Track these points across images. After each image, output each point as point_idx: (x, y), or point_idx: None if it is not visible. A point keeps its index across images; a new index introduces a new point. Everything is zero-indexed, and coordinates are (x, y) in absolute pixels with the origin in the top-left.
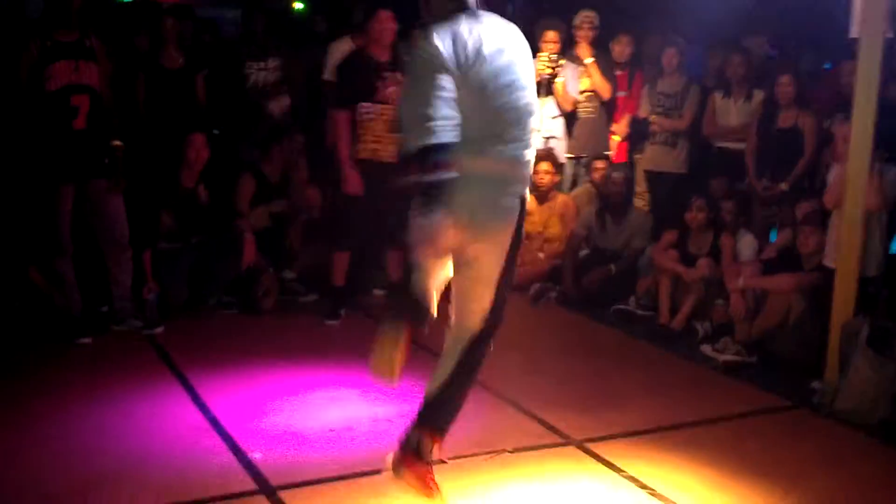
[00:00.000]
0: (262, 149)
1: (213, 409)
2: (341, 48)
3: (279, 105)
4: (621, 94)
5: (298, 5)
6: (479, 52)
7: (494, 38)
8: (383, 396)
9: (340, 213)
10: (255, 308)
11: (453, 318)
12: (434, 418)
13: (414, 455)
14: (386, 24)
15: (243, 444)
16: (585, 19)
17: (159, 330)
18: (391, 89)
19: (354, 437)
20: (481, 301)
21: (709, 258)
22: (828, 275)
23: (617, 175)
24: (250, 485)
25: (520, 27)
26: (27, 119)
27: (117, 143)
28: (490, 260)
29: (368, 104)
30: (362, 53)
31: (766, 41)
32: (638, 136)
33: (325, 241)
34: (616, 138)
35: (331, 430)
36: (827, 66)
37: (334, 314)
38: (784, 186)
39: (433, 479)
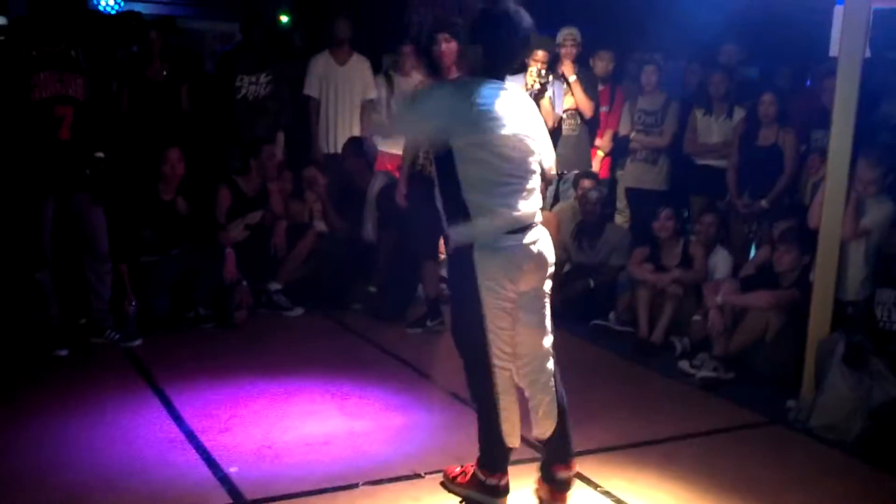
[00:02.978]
0: (240, 162)
1: (190, 422)
2: (320, 62)
3: (264, 120)
4: (603, 109)
5: (284, 19)
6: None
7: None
8: (361, 411)
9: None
10: (229, 322)
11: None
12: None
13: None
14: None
15: (219, 459)
16: (568, 36)
17: (137, 343)
18: None
19: (331, 452)
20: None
21: (679, 267)
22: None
23: (592, 195)
24: (226, 499)
25: None
26: (11, 129)
27: (100, 154)
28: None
29: None
30: None
31: (736, 49)
32: (620, 152)
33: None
34: (600, 153)
35: (307, 444)
36: (807, 83)
37: (419, 323)
38: (764, 204)
39: None
